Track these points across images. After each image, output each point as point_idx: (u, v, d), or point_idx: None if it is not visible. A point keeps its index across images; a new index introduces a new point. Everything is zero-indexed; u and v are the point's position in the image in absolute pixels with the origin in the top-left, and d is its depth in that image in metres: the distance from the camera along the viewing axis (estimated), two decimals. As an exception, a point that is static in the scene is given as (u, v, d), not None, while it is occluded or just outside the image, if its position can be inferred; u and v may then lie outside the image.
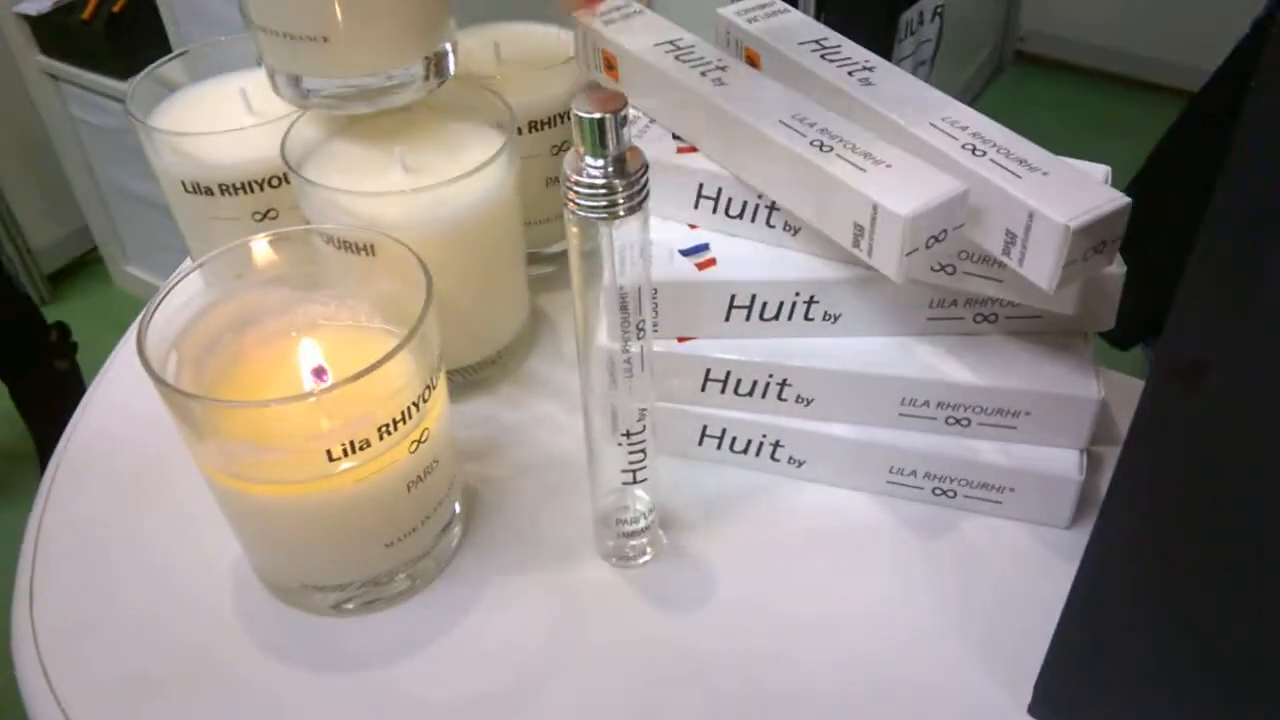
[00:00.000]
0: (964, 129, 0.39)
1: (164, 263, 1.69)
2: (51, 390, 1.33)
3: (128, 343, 0.55)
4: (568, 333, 0.53)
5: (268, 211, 0.47)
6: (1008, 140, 0.38)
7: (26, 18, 1.48)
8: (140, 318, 0.37)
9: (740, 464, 0.46)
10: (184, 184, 0.47)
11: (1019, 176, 0.36)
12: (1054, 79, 2.16)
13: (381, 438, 0.36)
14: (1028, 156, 0.37)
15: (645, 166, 0.32)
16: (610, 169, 0.31)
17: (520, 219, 0.47)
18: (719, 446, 0.46)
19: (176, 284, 0.38)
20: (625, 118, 0.31)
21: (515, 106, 0.46)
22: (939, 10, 1.47)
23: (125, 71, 1.44)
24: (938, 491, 0.44)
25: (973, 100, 2.08)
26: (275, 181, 0.47)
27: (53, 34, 1.49)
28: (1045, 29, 2.15)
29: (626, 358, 0.37)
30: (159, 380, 0.35)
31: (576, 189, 0.32)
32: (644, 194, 0.32)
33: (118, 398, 0.52)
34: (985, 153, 0.38)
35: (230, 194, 0.46)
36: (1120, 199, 0.35)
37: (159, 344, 0.37)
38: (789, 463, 0.45)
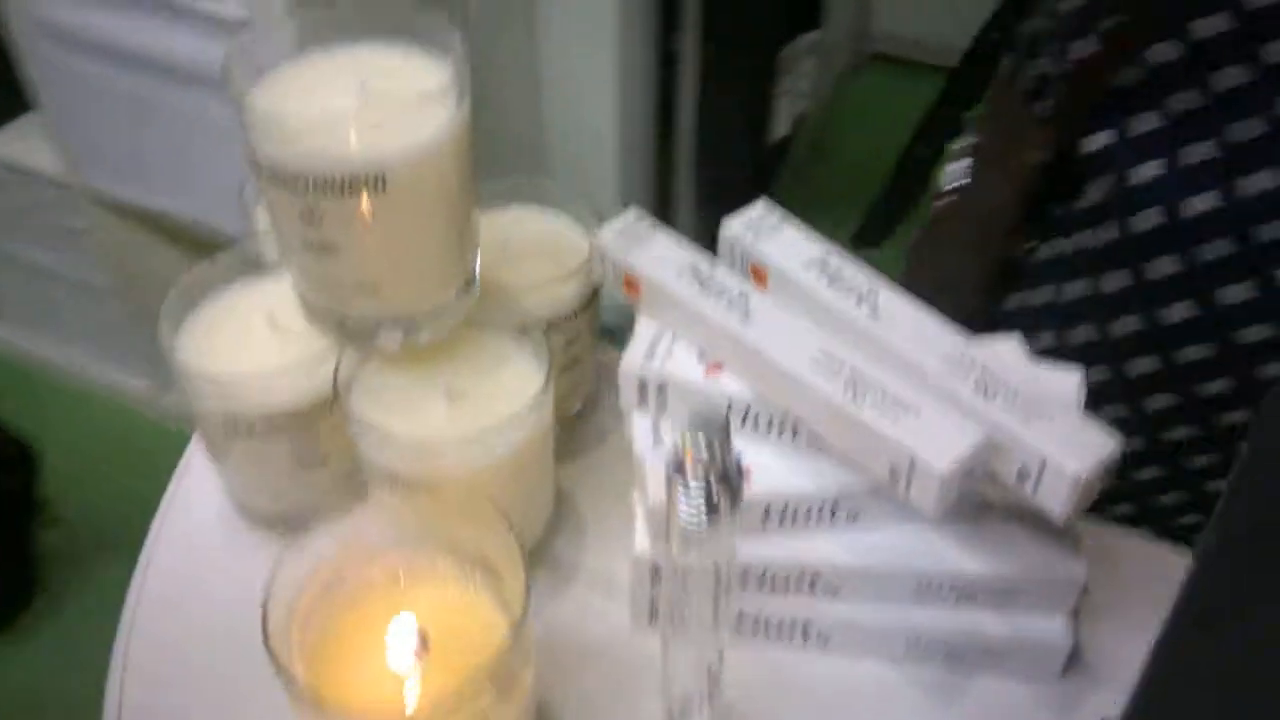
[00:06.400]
0: (971, 363, 0.44)
1: (30, 325, 1.61)
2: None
3: (165, 519, 0.55)
4: (586, 508, 0.56)
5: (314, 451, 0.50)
6: (1010, 374, 0.44)
7: None
8: (262, 601, 0.39)
9: (770, 639, 0.51)
10: (223, 425, 0.48)
11: (1027, 423, 0.42)
12: (909, 75, 2.27)
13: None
14: (1032, 396, 0.43)
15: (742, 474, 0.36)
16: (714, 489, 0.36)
17: (553, 432, 0.50)
18: (754, 634, 0.50)
19: (287, 563, 0.40)
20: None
21: (532, 308, 0.49)
22: (816, 47, 1.54)
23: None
24: (947, 656, 0.50)
25: (834, 97, 2.17)
26: (315, 415, 0.49)
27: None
28: (899, 31, 2.26)
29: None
30: (286, 673, 0.37)
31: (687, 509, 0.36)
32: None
33: (169, 595, 0.53)
34: (996, 394, 0.43)
35: (275, 434, 0.48)
36: (1112, 444, 0.42)
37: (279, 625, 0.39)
38: (816, 638, 0.50)
